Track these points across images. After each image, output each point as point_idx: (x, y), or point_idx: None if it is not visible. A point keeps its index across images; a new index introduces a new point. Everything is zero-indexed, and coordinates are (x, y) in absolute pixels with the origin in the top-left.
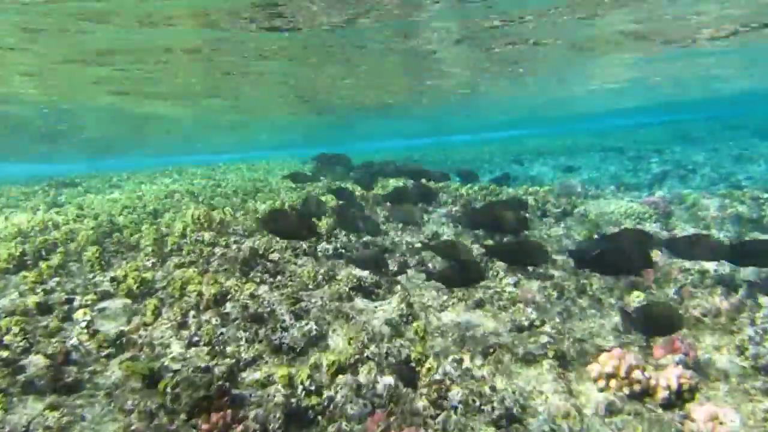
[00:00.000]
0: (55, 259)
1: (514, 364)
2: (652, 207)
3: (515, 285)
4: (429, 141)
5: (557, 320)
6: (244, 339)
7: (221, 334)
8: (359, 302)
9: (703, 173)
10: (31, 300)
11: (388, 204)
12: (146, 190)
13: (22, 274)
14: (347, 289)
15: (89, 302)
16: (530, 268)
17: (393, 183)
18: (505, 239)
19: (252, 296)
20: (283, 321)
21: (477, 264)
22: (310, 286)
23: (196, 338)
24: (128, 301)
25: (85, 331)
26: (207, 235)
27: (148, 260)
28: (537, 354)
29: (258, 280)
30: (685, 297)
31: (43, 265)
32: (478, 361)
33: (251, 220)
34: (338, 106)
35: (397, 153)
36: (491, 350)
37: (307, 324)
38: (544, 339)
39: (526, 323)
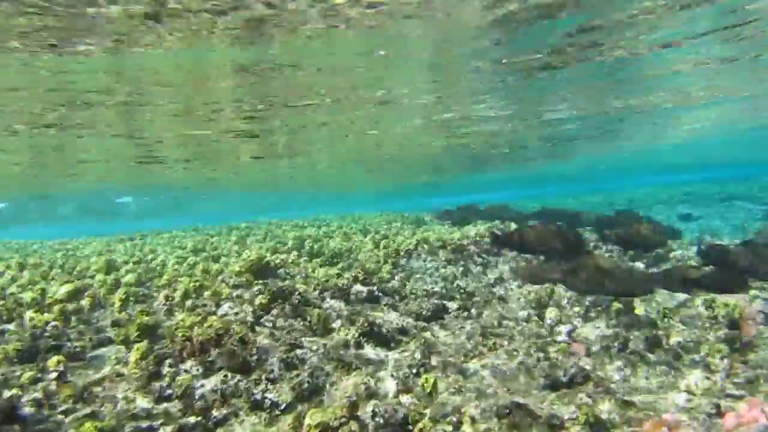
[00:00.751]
0: (83, 302)
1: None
2: None
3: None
4: (501, 195)
5: (607, 377)
6: (219, 393)
7: (202, 386)
8: (369, 351)
9: None
10: (12, 347)
11: None
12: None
13: (28, 315)
14: (356, 335)
15: (79, 349)
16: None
17: None
18: None
19: (242, 342)
20: (271, 371)
21: None
22: (318, 332)
23: (168, 391)
24: (122, 347)
25: (54, 383)
26: (241, 278)
27: (165, 305)
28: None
29: (270, 324)
30: None
31: (56, 308)
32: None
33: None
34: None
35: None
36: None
37: (298, 375)
38: (581, 399)
39: (564, 378)
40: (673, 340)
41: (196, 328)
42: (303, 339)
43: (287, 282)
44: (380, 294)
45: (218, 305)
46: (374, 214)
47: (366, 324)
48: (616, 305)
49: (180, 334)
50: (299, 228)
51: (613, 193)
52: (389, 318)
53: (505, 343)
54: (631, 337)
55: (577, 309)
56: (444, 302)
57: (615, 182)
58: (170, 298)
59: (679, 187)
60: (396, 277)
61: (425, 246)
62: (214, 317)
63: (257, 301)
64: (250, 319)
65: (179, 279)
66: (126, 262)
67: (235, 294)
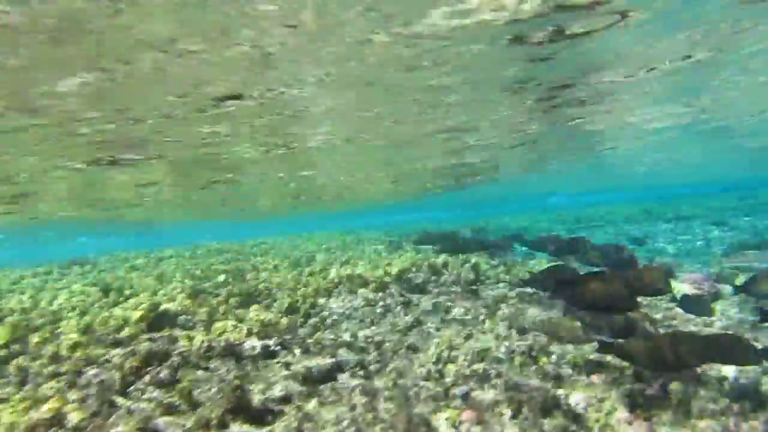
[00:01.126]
0: None
1: None
2: (694, 287)
3: None
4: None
5: None
6: None
7: None
8: (234, 431)
9: None
10: None
11: None
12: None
13: None
14: (220, 413)
15: None
16: None
17: None
18: None
19: (76, 429)
20: None
21: None
22: (182, 407)
23: None
24: None
25: None
26: (125, 333)
27: (18, 375)
28: None
29: (138, 394)
30: (693, 415)
31: None
32: None
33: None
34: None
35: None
36: None
37: None
38: None
39: None
40: (573, 399)
41: (31, 410)
42: (160, 419)
43: (181, 334)
44: (278, 348)
45: (80, 373)
46: (338, 234)
47: (235, 398)
48: (519, 359)
49: (4, 421)
50: (234, 258)
51: (559, 212)
52: (274, 382)
53: (391, 411)
54: (527, 398)
55: (477, 366)
56: (346, 356)
57: (546, 200)
58: (22, 368)
59: (627, 206)
60: (309, 321)
61: (347, 284)
62: (58, 397)
63: (126, 366)
64: (117, 387)
65: (63, 332)
66: (12, 311)
67: (105, 357)
